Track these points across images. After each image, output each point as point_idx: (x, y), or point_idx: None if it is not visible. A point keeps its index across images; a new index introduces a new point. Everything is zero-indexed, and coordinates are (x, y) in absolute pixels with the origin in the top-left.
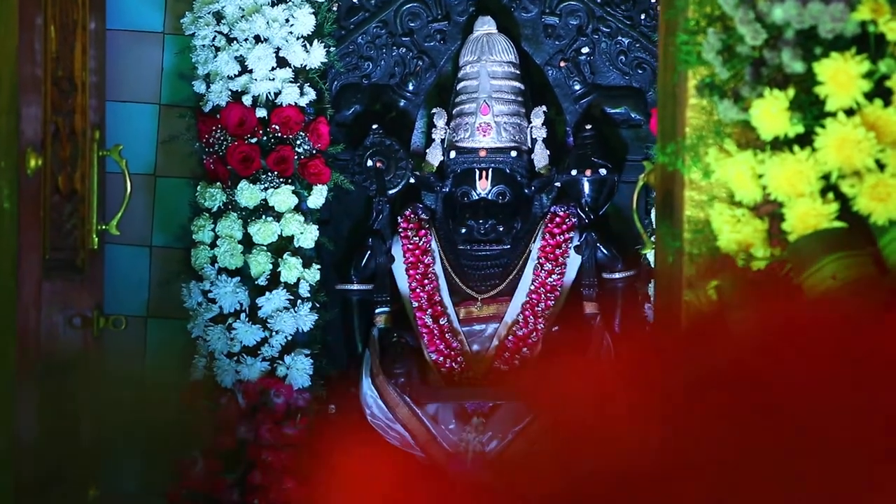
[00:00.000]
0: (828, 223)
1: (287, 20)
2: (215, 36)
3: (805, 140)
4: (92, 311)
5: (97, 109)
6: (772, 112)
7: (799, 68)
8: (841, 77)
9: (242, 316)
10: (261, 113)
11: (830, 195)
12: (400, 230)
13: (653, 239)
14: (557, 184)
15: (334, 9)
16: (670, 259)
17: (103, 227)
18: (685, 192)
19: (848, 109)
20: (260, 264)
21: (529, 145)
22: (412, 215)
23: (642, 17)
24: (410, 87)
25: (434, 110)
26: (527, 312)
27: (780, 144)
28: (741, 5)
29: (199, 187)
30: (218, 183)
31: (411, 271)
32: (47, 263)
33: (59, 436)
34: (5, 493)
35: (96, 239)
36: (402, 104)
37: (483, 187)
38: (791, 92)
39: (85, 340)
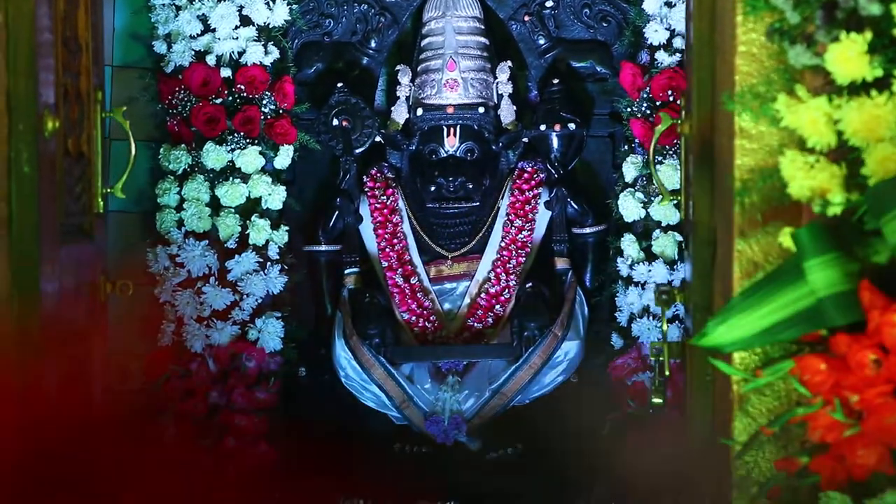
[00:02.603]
0: None
1: None
2: None
3: (881, 84)
4: (99, 277)
5: (97, 72)
6: (849, 56)
7: (876, 10)
8: None
9: (211, 280)
10: (225, 73)
11: None
12: (366, 189)
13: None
14: (525, 139)
15: None
16: (737, 209)
17: (108, 190)
18: (735, 140)
19: None
20: (228, 227)
21: (496, 101)
22: (378, 174)
23: None
24: (373, 45)
25: (398, 67)
26: (498, 270)
27: (856, 89)
28: None
29: (162, 150)
30: (182, 145)
31: (380, 231)
32: (62, 228)
33: (76, 404)
34: (29, 462)
35: (101, 203)
36: (364, 62)
37: (451, 144)
38: (869, 35)
39: (93, 306)
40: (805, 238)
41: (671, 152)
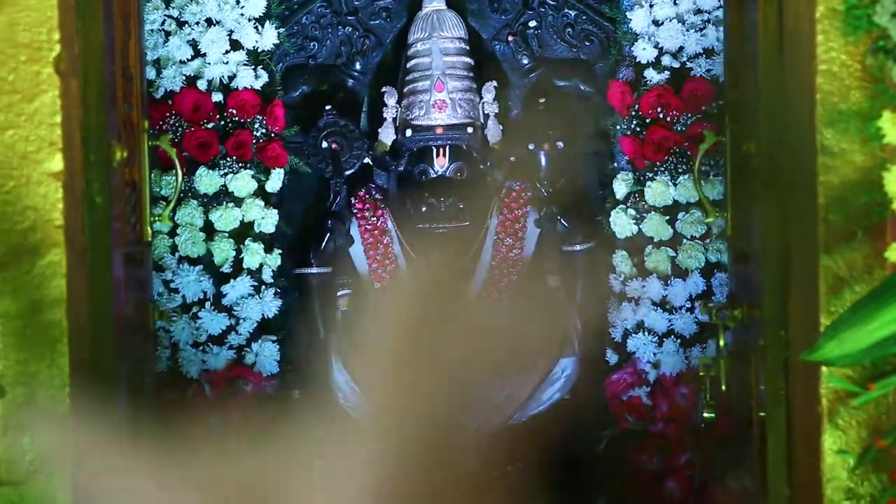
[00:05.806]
0: None
1: (238, 1)
2: (165, 20)
3: None
4: (148, 306)
5: (143, 100)
6: None
7: None
8: None
9: (207, 304)
10: (216, 97)
11: None
12: (356, 211)
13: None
14: (512, 158)
15: None
16: (822, 226)
17: (156, 218)
18: (818, 158)
19: None
20: (223, 251)
21: (482, 121)
22: (367, 196)
23: None
24: (358, 67)
25: (384, 89)
26: (490, 288)
27: None
28: None
29: (153, 175)
30: (174, 170)
31: (371, 252)
32: (125, 258)
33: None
34: None
35: (150, 231)
36: (349, 84)
37: (441, 164)
38: None
39: (146, 334)
40: None
41: (662, 168)
